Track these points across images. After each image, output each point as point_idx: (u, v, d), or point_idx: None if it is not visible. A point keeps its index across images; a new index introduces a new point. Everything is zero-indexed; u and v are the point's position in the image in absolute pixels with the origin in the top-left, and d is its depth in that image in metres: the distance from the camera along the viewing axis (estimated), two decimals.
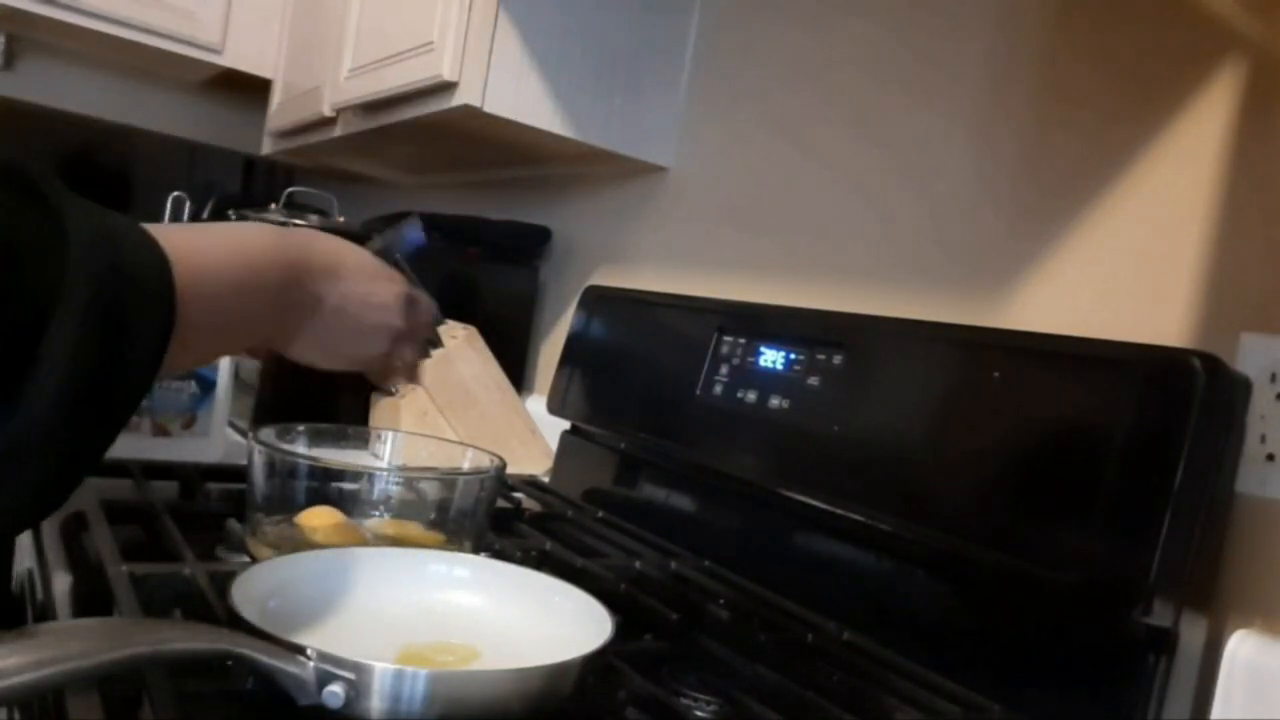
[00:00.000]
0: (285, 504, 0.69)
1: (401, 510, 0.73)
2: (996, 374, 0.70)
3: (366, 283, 0.64)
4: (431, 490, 0.76)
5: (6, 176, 0.37)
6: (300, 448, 0.76)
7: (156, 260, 0.42)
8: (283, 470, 0.69)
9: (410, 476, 0.78)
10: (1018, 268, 0.81)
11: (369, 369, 0.70)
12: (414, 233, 0.84)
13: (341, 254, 0.62)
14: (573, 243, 1.45)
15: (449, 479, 0.76)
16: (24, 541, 0.76)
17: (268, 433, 0.72)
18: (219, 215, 1.69)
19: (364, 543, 0.69)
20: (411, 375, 0.77)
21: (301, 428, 0.78)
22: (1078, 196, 0.77)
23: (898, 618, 0.73)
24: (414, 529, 0.72)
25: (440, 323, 1.20)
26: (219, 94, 2.24)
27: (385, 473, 0.78)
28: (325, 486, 0.71)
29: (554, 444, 1.20)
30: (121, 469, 0.84)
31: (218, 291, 0.49)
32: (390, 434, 0.86)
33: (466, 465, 0.79)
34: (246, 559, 0.69)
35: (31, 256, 0.35)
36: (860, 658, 0.67)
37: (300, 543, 0.66)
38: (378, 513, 0.73)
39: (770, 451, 0.85)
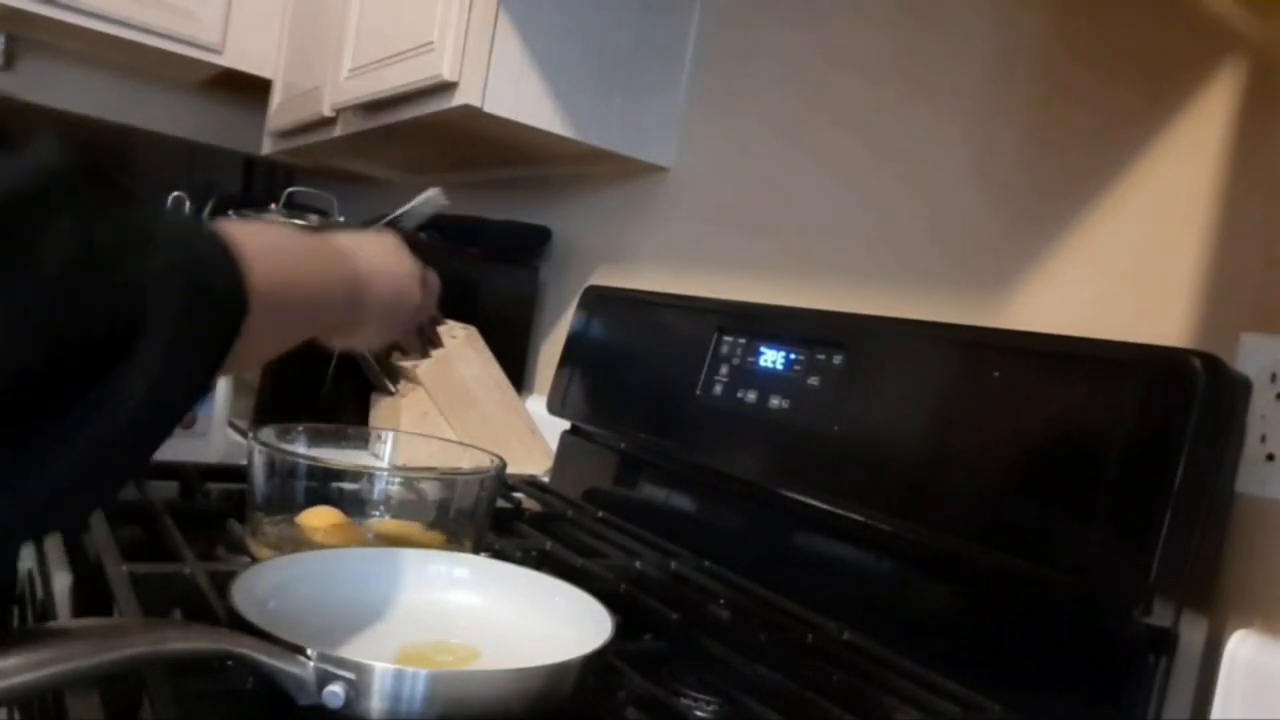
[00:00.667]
0: (285, 504, 0.69)
1: (401, 510, 0.74)
2: (996, 374, 0.70)
3: (394, 277, 0.67)
4: (431, 490, 0.76)
5: (88, 178, 0.37)
6: (300, 448, 0.76)
7: (235, 274, 0.42)
8: (283, 470, 0.69)
9: (410, 476, 0.78)
10: (1018, 268, 0.81)
11: (399, 340, 0.78)
12: (435, 204, 0.92)
13: (378, 257, 0.66)
14: (573, 243, 1.45)
15: (449, 479, 0.76)
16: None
17: (268, 433, 0.72)
18: (219, 215, 1.69)
19: (364, 543, 0.69)
20: (436, 341, 0.87)
21: (301, 428, 0.78)
22: (1078, 196, 0.77)
23: (898, 618, 0.73)
24: (414, 529, 0.72)
25: (440, 322, 1.21)
26: (219, 94, 2.24)
27: (385, 473, 0.78)
28: (325, 486, 0.71)
29: (554, 444, 1.20)
30: None
31: (287, 303, 0.51)
32: (390, 434, 0.86)
33: (466, 465, 0.79)
34: (246, 559, 0.69)
35: (116, 259, 0.36)
36: (860, 658, 0.67)
37: (300, 543, 0.66)
38: (378, 513, 0.73)
39: (770, 451, 0.85)
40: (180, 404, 0.40)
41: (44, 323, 0.33)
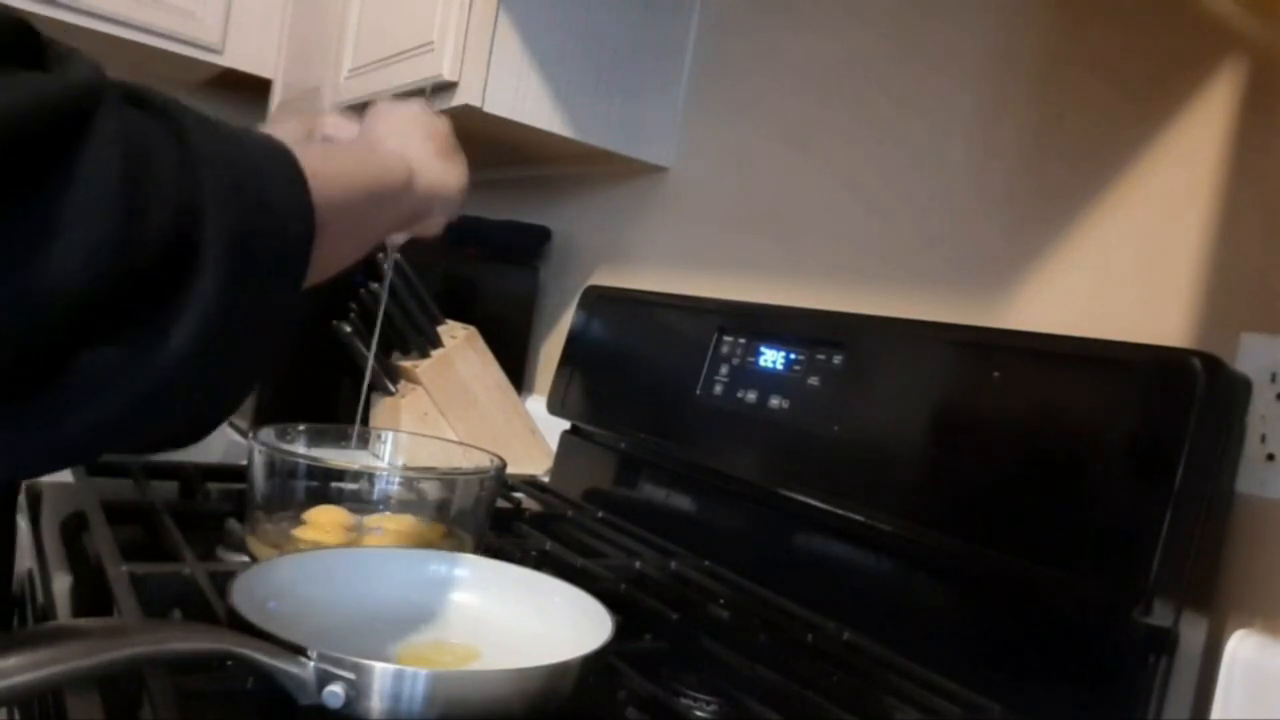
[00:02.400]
0: (285, 504, 0.69)
1: (402, 510, 0.74)
2: (996, 374, 0.70)
3: (427, 134, 0.64)
4: (432, 490, 0.76)
5: (132, 98, 0.34)
6: (300, 448, 0.76)
7: (299, 191, 0.40)
8: (283, 470, 0.69)
9: (410, 476, 0.78)
10: (1017, 268, 0.81)
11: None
12: None
13: (413, 132, 0.63)
14: (573, 243, 1.45)
15: (449, 479, 0.76)
16: (24, 542, 0.76)
17: (268, 433, 0.72)
18: None
19: (364, 543, 0.69)
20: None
21: (302, 428, 0.78)
22: (1078, 196, 0.77)
23: (898, 618, 0.73)
24: (414, 528, 0.72)
25: (440, 322, 1.21)
26: (219, 94, 2.24)
27: (385, 473, 0.78)
28: (325, 486, 0.71)
29: (554, 444, 1.20)
30: (121, 469, 0.84)
31: (350, 200, 0.48)
32: (390, 434, 0.86)
33: (466, 465, 0.79)
34: (246, 559, 0.69)
35: (167, 172, 0.33)
36: (860, 658, 0.67)
37: (300, 542, 0.66)
38: (378, 512, 0.73)
39: (770, 451, 0.85)
40: (248, 344, 0.37)
41: (86, 246, 0.29)
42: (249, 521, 0.70)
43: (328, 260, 0.43)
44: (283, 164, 0.40)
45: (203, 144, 0.35)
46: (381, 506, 0.73)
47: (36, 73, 0.30)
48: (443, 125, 0.66)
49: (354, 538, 0.69)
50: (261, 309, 0.37)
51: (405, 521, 0.72)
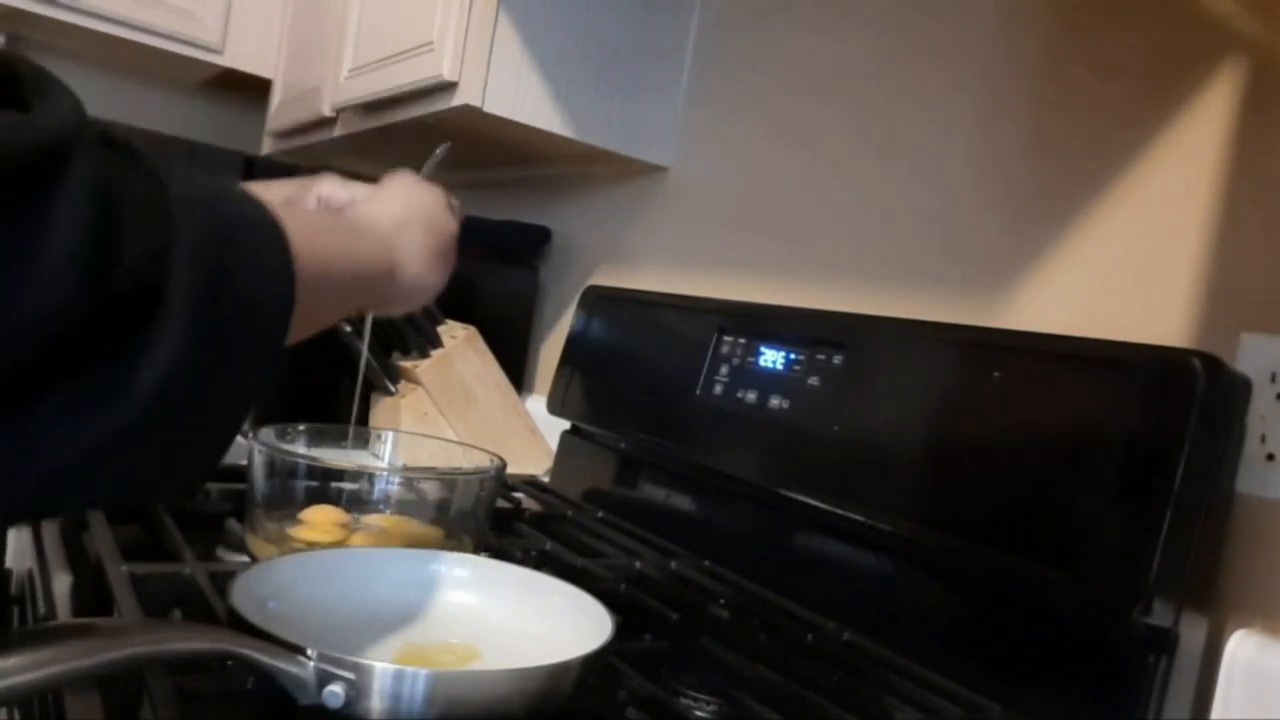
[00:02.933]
0: (285, 504, 0.69)
1: (402, 510, 0.74)
2: (996, 374, 0.70)
3: (429, 229, 0.63)
4: (431, 490, 0.76)
5: (109, 141, 0.33)
6: (300, 448, 0.76)
7: (280, 246, 0.39)
8: (283, 470, 0.69)
9: (410, 476, 0.78)
10: (1018, 268, 0.81)
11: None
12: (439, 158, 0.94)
13: (405, 210, 0.63)
14: (573, 243, 1.45)
15: (449, 479, 0.76)
16: (24, 541, 0.76)
17: (268, 433, 0.72)
18: None
19: (364, 542, 0.69)
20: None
21: (302, 428, 0.78)
22: (1078, 196, 0.77)
23: (898, 618, 0.73)
24: (414, 528, 0.72)
25: (440, 322, 1.21)
26: (219, 94, 2.24)
27: (385, 473, 0.78)
28: (325, 486, 0.71)
29: (554, 444, 1.20)
30: None
31: (326, 282, 0.48)
32: (390, 434, 0.86)
33: (466, 465, 0.79)
34: (246, 559, 0.69)
35: (141, 219, 0.32)
36: (860, 658, 0.67)
37: (297, 542, 0.66)
38: (378, 512, 0.73)
39: (770, 451, 0.85)
40: (215, 400, 0.36)
41: (52, 293, 0.29)
42: (249, 521, 0.70)
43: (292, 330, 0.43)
44: (269, 232, 0.39)
45: (180, 197, 0.34)
46: (382, 506, 0.73)
47: (11, 112, 0.29)
48: (450, 225, 0.66)
49: (352, 537, 0.69)
50: (231, 369, 0.36)
51: (404, 522, 0.72)
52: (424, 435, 0.94)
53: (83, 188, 0.30)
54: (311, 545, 0.65)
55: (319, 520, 0.68)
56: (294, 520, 0.69)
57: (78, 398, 0.31)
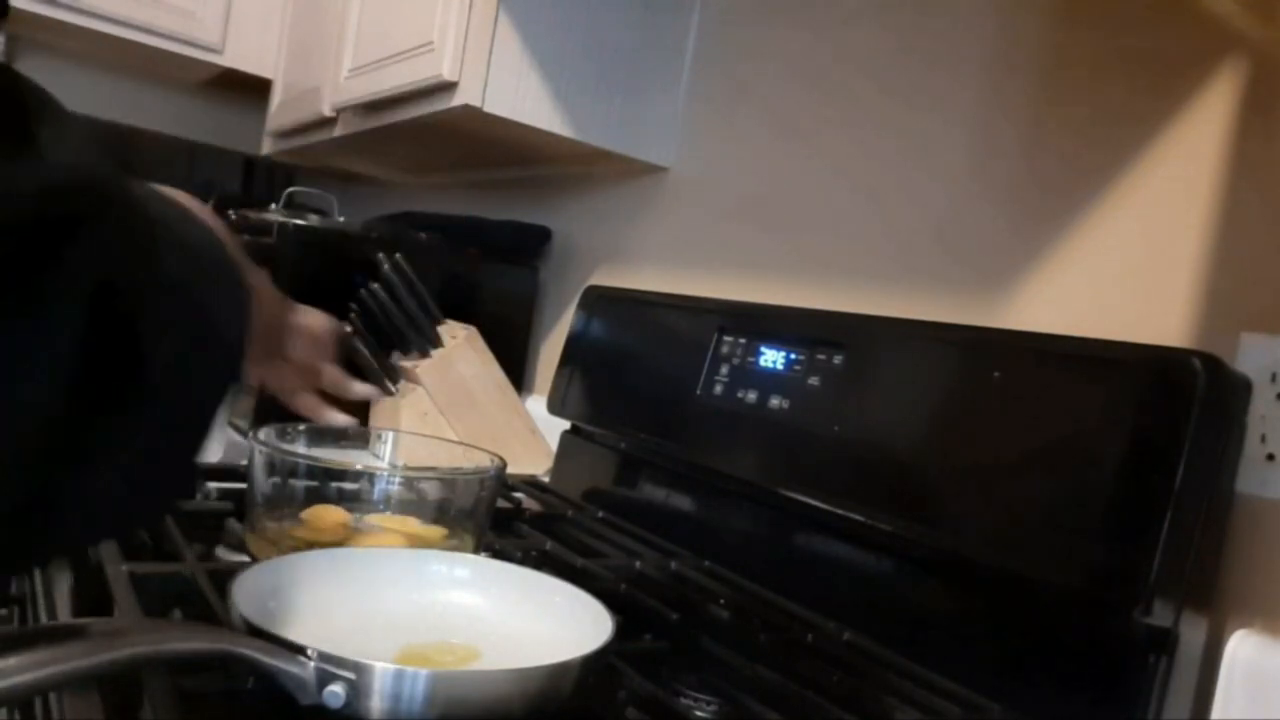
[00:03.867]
0: (285, 504, 0.69)
1: (402, 510, 0.74)
2: (996, 374, 0.70)
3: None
4: (432, 490, 0.76)
5: (116, 187, 0.35)
6: (300, 448, 0.76)
7: (240, 342, 0.44)
8: (283, 470, 0.69)
9: (410, 476, 0.78)
10: (1017, 268, 0.81)
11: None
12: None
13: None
14: (573, 243, 1.45)
15: (449, 479, 0.76)
16: None
17: (268, 432, 0.72)
18: (219, 215, 1.69)
19: (365, 543, 0.69)
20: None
21: (302, 427, 0.78)
22: (1078, 196, 0.77)
23: (898, 618, 0.73)
24: (414, 529, 0.72)
25: (440, 322, 1.21)
26: (219, 94, 2.24)
27: (385, 473, 0.78)
28: (325, 486, 0.71)
29: (554, 444, 1.20)
30: None
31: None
32: (390, 434, 0.86)
33: (466, 465, 0.79)
34: (246, 559, 0.69)
35: (134, 300, 0.35)
36: (860, 658, 0.67)
37: (300, 542, 0.66)
38: (378, 513, 0.73)
39: (770, 451, 0.85)
40: (172, 465, 0.41)
41: (49, 367, 0.31)
42: (249, 521, 0.70)
43: None
44: (237, 297, 0.44)
45: (169, 272, 0.37)
46: (382, 506, 0.73)
47: (16, 164, 0.30)
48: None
49: (352, 537, 0.69)
50: (197, 425, 0.41)
51: (405, 522, 0.72)
52: (424, 435, 0.94)
53: (86, 262, 0.31)
54: (312, 545, 0.65)
55: (320, 520, 0.68)
56: (295, 520, 0.69)
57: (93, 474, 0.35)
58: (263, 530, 0.68)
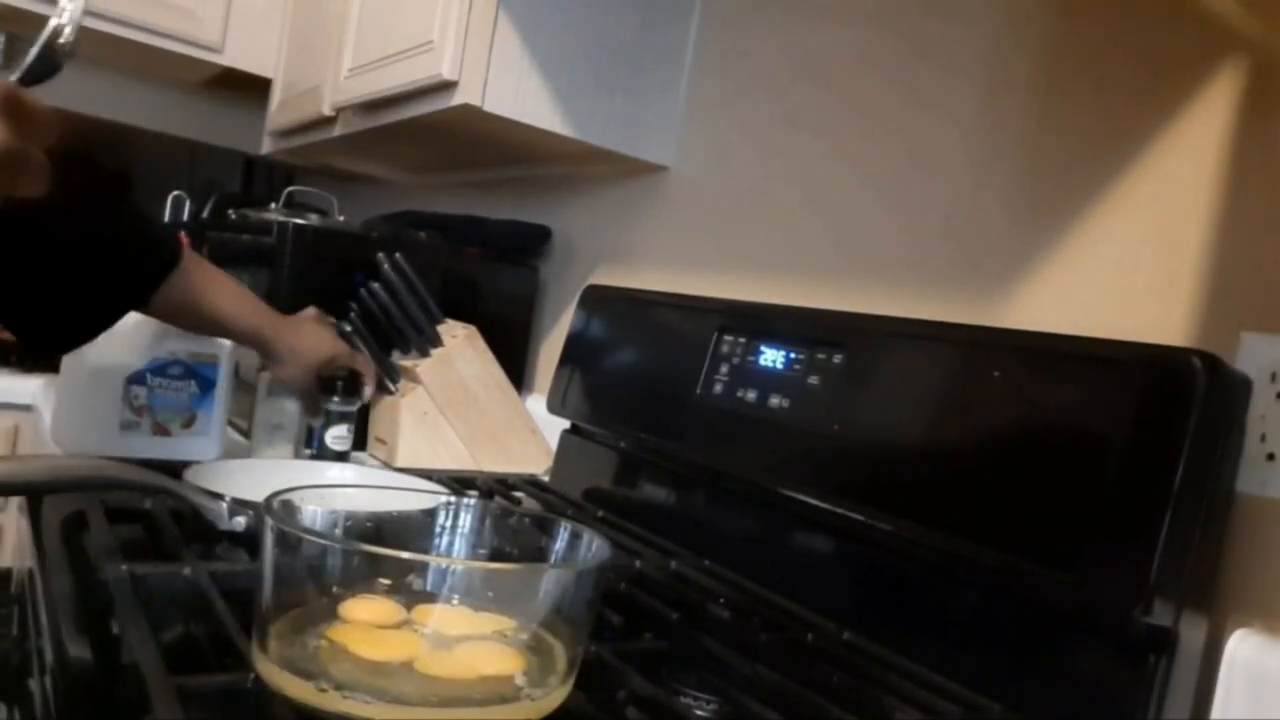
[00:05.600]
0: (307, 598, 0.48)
1: (469, 601, 0.52)
2: (996, 374, 0.70)
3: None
4: (507, 582, 0.54)
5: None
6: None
7: None
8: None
9: (477, 568, 0.59)
10: (1018, 267, 0.81)
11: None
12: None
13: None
14: (573, 243, 1.45)
15: (536, 570, 0.55)
16: (24, 541, 0.76)
17: (281, 502, 0.50)
18: (219, 214, 1.69)
19: (417, 651, 0.48)
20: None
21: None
22: (1078, 196, 0.77)
23: (898, 618, 0.73)
24: (483, 623, 0.51)
25: (440, 321, 1.21)
26: (219, 93, 2.24)
27: (447, 564, 0.57)
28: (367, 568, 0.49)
29: (554, 444, 1.20)
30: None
31: None
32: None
33: (561, 546, 0.57)
34: (246, 559, 0.69)
35: None
36: (860, 658, 0.67)
37: (329, 655, 0.46)
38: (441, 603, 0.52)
39: (770, 451, 0.85)
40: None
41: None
42: (256, 630, 0.47)
43: None
44: None
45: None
46: (453, 595, 0.52)
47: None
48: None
49: (405, 644, 0.48)
50: None
51: (475, 620, 0.51)
52: (424, 434, 0.93)
53: None
54: (350, 662, 0.46)
55: (362, 619, 0.49)
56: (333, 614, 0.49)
57: None
58: (277, 640, 0.46)
